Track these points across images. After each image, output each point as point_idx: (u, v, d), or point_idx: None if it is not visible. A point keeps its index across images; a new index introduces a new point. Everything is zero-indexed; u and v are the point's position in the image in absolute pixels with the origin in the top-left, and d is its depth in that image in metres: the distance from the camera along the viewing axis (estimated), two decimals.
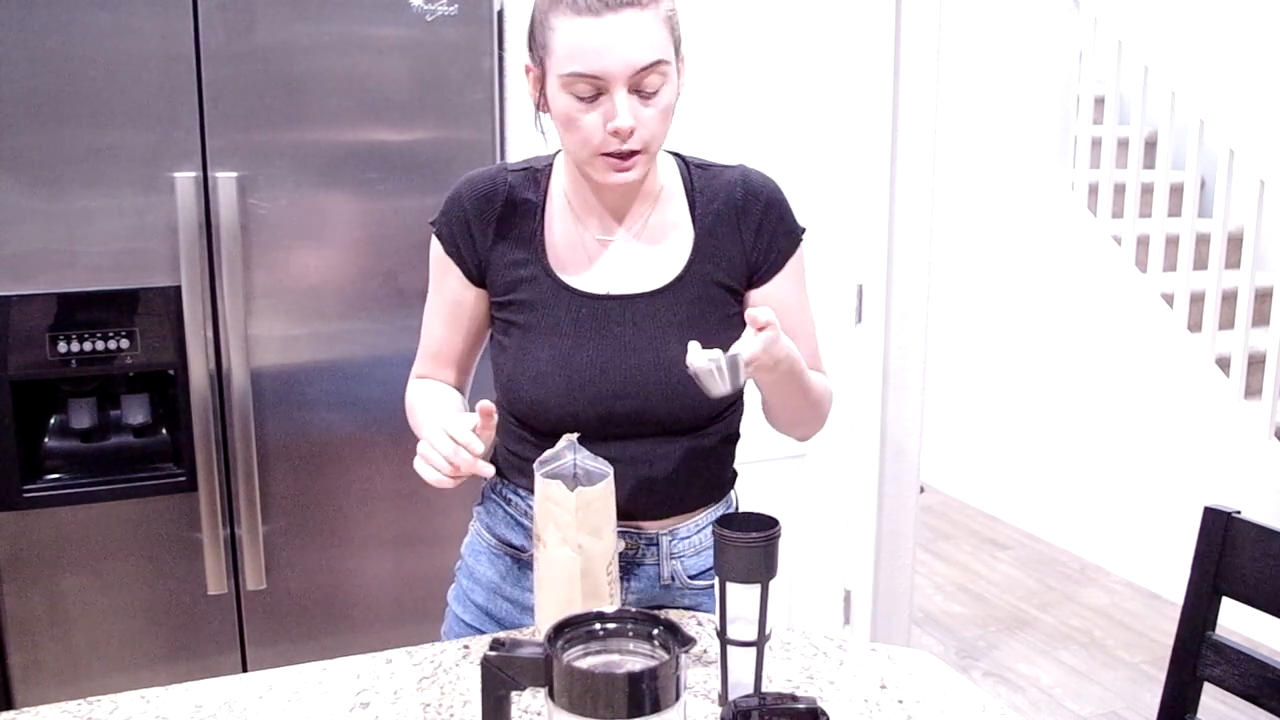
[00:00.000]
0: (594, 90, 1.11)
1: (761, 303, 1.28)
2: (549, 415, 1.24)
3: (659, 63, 1.11)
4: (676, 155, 1.31)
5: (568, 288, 1.24)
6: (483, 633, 1.34)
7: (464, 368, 1.36)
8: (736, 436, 1.35)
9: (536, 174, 1.28)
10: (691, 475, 1.28)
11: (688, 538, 1.31)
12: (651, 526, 1.29)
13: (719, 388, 1.07)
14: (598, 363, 1.23)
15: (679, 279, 1.25)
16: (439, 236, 1.29)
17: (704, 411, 1.25)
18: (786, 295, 1.29)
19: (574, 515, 1.13)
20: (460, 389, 1.37)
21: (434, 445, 1.09)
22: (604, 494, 1.15)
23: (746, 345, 1.07)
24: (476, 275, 1.28)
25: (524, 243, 1.26)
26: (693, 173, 1.29)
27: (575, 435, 1.18)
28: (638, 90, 1.12)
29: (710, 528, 1.31)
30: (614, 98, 1.11)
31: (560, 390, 1.23)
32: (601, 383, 1.22)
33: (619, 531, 1.22)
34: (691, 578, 1.32)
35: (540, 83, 1.17)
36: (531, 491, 1.27)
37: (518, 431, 1.31)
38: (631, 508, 1.26)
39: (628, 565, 1.29)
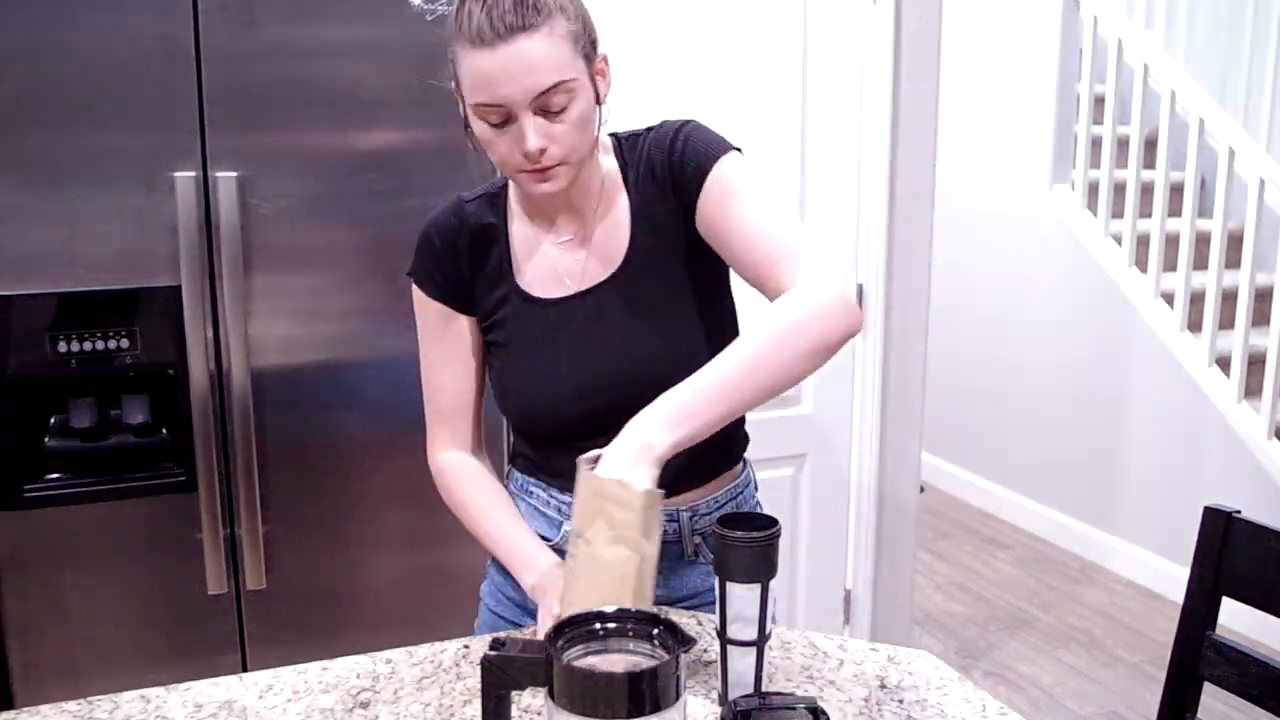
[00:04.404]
0: (501, 117, 1.12)
1: (703, 232, 1.20)
2: (541, 423, 1.28)
3: (559, 84, 1.11)
4: (612, 136, 1.30)
5: (534, 299, 1.27)
6: (519, 625, 1.36)
7: (479, 413, 1.36)
8: None
9: (493, 197, 1.31)
10: (694, 448, 1.28)
11: (708, 514, 1.33)
12: (669, 504, 1.29)
13: None
14: (573, 364, 1.25)
15: (625, 262, 1.26)
16: (418, 284, 1.31)
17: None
18: (718, 213, 1.19)
19: (639, 514, 1.11)
20: (478, 443, 1.37)
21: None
22: (658, 498, 1.14)
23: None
24: (467, 307, 1.31)
25: (495, 265, 1.29)
26: (624, 149, 1.28)
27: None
28: (544, 110, 1.12)
29: (728, 503, 1.35)
30: (521, 122, 1.12)
31: (544, 400, 1.26)
32: (580, 383, 1.25)
33: None
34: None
35: (462, 105, 1.18)
36: (550, 482, 1.30)
37: (524, 438, 1.35)
38: None
39: None
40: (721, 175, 1.19)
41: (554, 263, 1.28)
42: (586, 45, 1.15)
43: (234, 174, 1.94)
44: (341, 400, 2.07)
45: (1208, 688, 1.31)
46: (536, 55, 1.09)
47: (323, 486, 2.09)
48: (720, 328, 1.30)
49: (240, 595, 2.07)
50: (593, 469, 1.14)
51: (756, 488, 1.43)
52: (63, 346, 1.90)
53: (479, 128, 1.15)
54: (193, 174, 1.93)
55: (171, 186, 1.92)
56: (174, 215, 1.92)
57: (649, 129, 1.28)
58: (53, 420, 1.98)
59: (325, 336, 2.05)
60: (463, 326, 1.32)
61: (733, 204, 1.18)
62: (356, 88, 2.00)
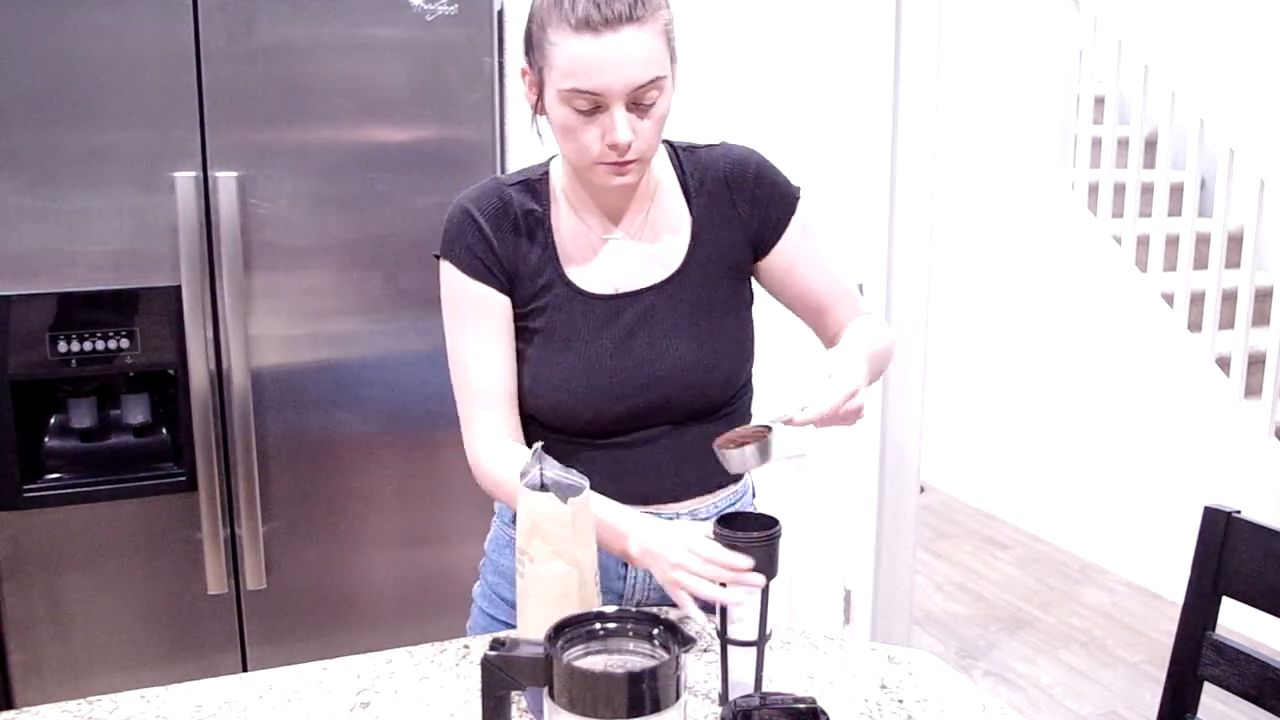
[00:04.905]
0: (592, 105, 1.13)
1: (774, 268, 1.32)
2: (573, 417, 1.27)
3: (656, 79, 1.13)
4: (666, 142, 1.32)
5: (581, 291, 1.26)
6: (511, 625, 1.35)
7: (518, 399, 1.31)
8: (748, 416, 1.38)
9: (534, 184, 1.29)
10: (708, 456, 1.29)
11: (707, 518, 1.33)
12: (670, 508, 1.30)
13: (744, 468, 1.12)
14: (615, 362, 1.25)
15: (682, 268, 1.28)
16: (456, 263, 1.25)
17: (719, 396, 1.28)
18: (798, 254, 1.32)
19: (570, 528, 1.11)
20: (519, 430, 1.31)
21: (699, 573, 1.09)
22: (588, 502, 1.14)
23: (814, 406, 1.10)
24: (508, 287, 1.27)
25: (539, 252, 1.27)
26: (682, 158, 1.31)
27: (540, 445, 1.16)
28: (636, 104, 1.14)
29: (728, 509, 1.35)
30: (612, 113, 1.13)
31: (581, 392, 1.25)
32: (620, 381, 1.25)
33: (642, 513, 1.22)
34: None
35: (537, 88, 1.19)
36: None
37: (539, 431, 1.31)
38: (653, 491, 1.28)
39: None
40: (801, 222, 1.32)
41: (602, 258, 1.28)
42: (673, 46, 1.18)
43: (234, 174, 1.94)
44: (341, 400, 2.07)
45: (1208, 688, 1.31)
46: (641, 48, 1.11)
47: (323, 486, 2.09)
48: (748, 343, 1.33)
49: (240, 595, 2.07)
50: (525, 484, 1.12)
51: (755, 495, 1.43)
52: (63, 346, 1.90)
53: (561, 113, 1.15)
54: (193, 174, 1.93)
55: (171, 186, 1.92)
56: (174, 215, 1.92)
57: (708, 145, 1.33)
58: (53, 420, 1.98)
59: (325, 336, 2.05)
60: (502, 307, 1.27)
61: (812, 250, 1.34)
62: (356, 88, 2.00)
